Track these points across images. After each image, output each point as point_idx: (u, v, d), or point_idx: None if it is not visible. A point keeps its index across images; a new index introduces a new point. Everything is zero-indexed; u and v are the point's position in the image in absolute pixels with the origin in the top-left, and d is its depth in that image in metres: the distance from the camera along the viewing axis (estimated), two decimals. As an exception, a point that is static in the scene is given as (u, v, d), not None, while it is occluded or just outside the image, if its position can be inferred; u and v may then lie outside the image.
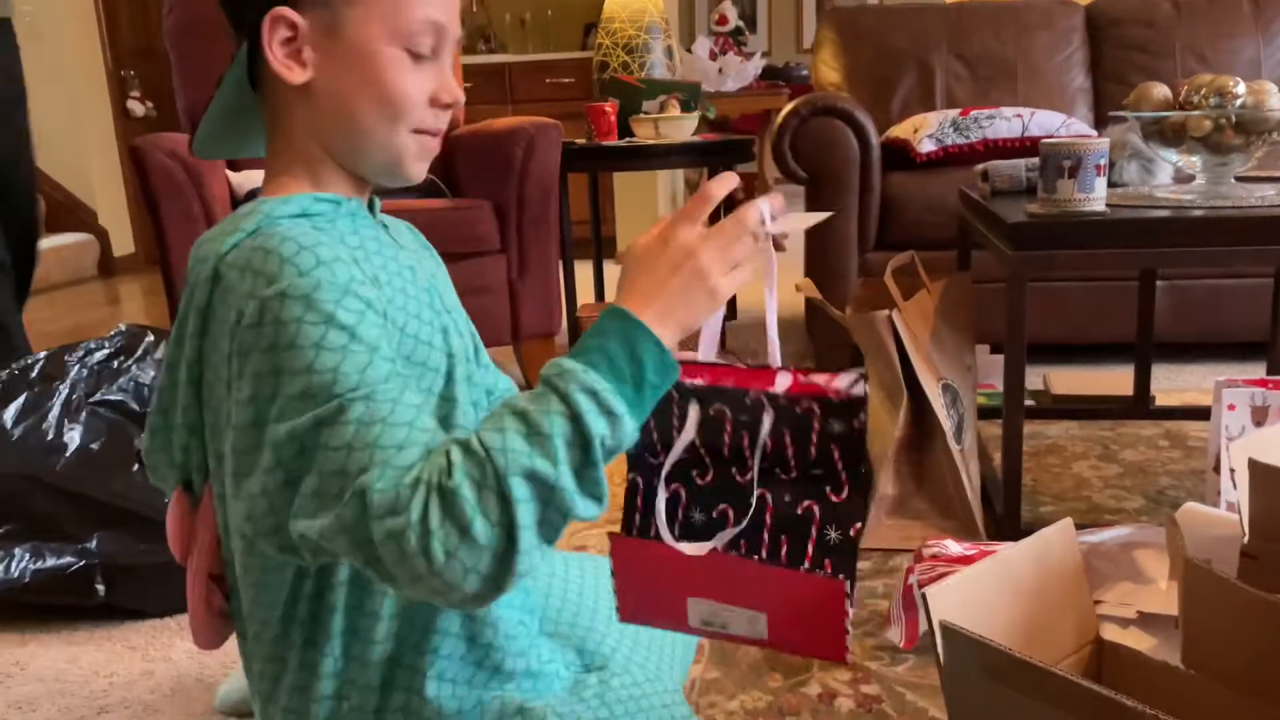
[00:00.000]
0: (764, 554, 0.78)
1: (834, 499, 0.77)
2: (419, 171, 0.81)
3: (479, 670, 0.83)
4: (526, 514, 0.64)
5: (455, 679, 0.82)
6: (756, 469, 0.78)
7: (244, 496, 0.71)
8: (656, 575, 0.81)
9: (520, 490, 0.64)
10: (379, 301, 0.73)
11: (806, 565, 0.77)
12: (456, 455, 0.66)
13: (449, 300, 0.88)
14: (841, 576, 0.75)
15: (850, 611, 0.75)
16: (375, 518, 0.64)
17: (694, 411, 0.79)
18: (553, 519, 0.66)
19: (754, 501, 0.78)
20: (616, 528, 0.83)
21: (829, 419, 0.75)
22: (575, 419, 0.66)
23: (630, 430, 0.68)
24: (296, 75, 0.75)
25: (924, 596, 0.81)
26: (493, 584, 0.65)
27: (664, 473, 0.79)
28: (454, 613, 0.81)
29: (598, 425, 0.66)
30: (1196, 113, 1.53)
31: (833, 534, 0.77)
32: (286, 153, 0.80)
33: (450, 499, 0.64)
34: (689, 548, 0.77)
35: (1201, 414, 2.07)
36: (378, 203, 0.87)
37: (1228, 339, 2.50)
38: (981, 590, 0.87)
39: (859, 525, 0.77)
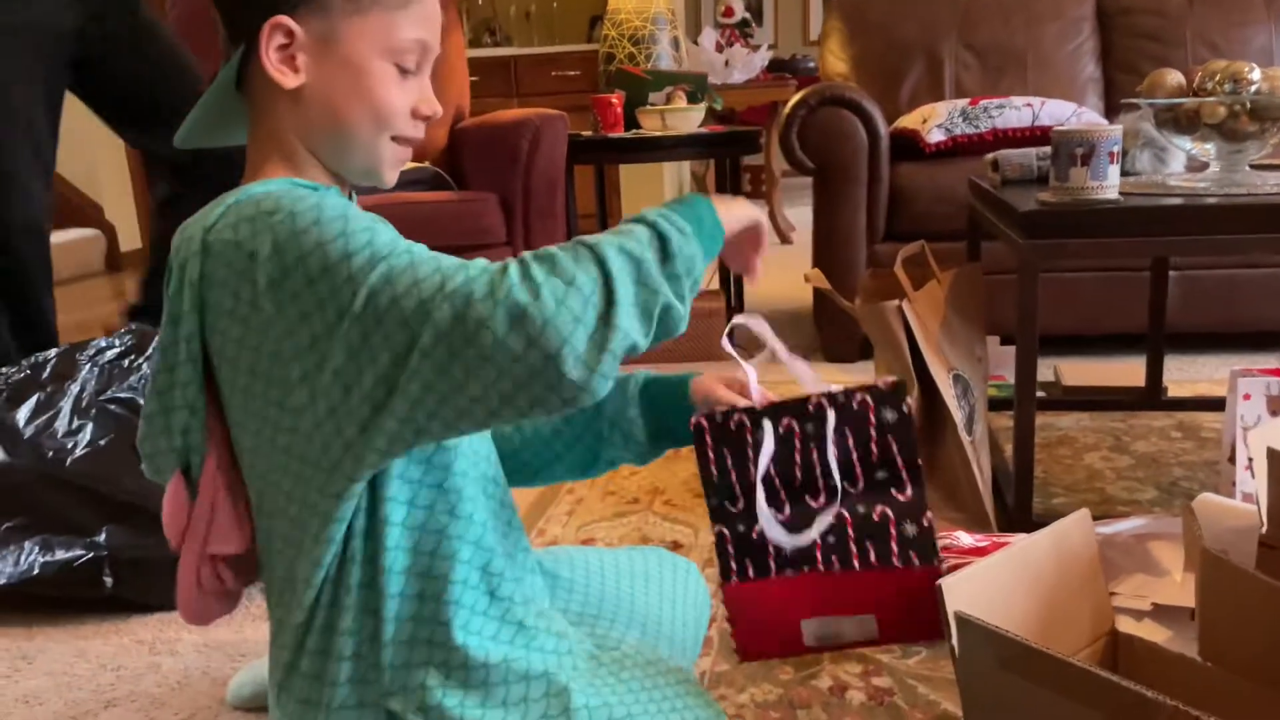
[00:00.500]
0: (855, 564, 0.88)
1: (900, 498, 0.87)
2: (393, 177, 0.85)
3: (503, 625, 0.84)
4: (623, 280, 0.70)
5: (481, 632, 0.83)
6: (825, 489, 0.88)
7: (301, 434, 0.74)
8: (767, 609, 0.91)
9: (614, 259, 0.70)
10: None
11: (895, 563, 0.87)
12: (546, 247, 0.72)
13: None
14: (936, 562, 0.86)
15: None
16: (478, 297, 0.67)
17: (768, 432, 0.89)
18: (646, 301, 0.71)
19: (833, 520, 0.88)
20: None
21: (881, 408, 0.85)
22: (652, 225, 0.74)
23: (696, 250, 0.75)
24: (289, 80, 0.79)
25: (940, 588, 0.80)
26: (596, 349, 0.68)
27: (758, 498, 0.89)
28: (471, 567, 0.83)
29: (671, 231, 0.74)
30: (1211, 99, 1.51)
31: (909, 528, 0.87)
32: (269, 146, 0.82)
33: (549, 259, 0.70)
34: (792, 539, 0.86)
35: (1215, 405, 2.06)
36: (354, 198, 0.89)
37: (1240, 329, 2.49)
38: (998, 581, 0.86)
39: (928, 514, 0.87)
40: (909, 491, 0.87)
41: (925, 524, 0.87)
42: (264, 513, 0.83)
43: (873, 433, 0.87)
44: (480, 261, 0.72)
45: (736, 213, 0.85)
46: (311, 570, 0.81)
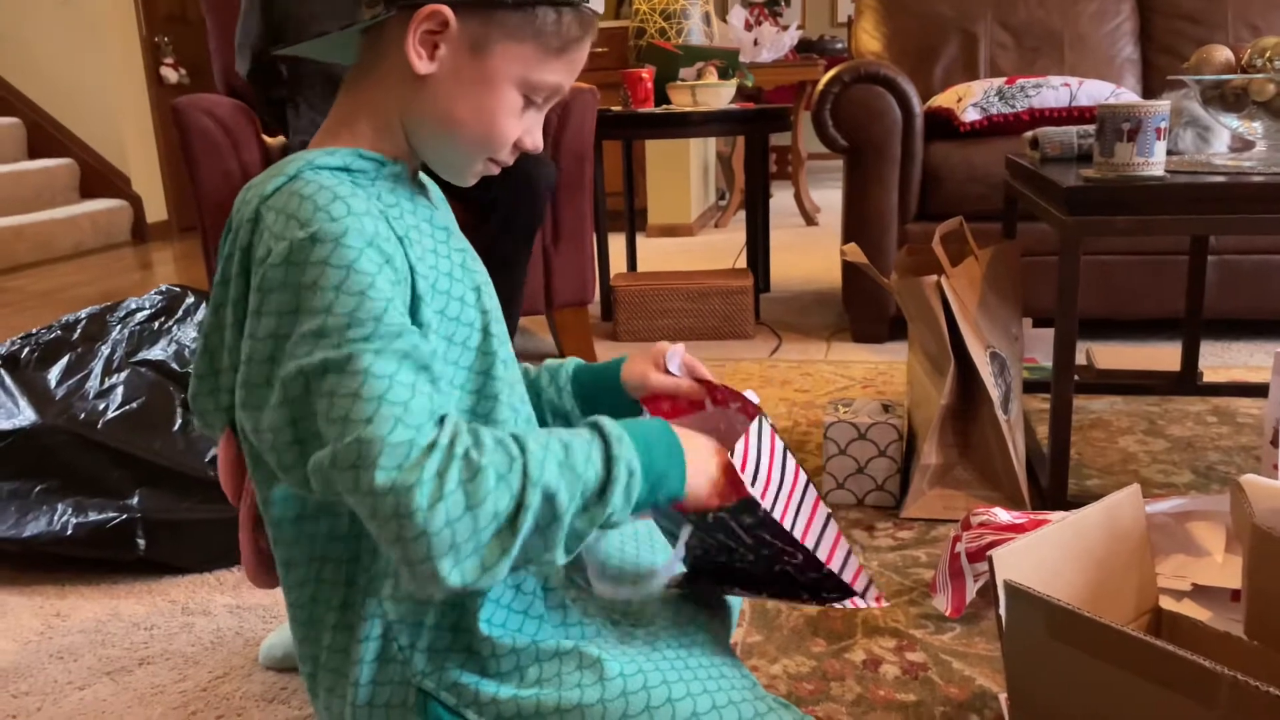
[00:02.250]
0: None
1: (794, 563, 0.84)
2: (470, 183, 0.85)
3: (527, 617, 0.84)
4: (528, 524, 0.68)
5: (505, 624, 0.83)
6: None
7: (263, 429, 0.73)
8: None
9: (534, 501, 0.68)
10: (399, 260, 0.75)
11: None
12: (489, 440, 0.69)
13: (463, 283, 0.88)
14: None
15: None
16: (382, 467, 0.66)
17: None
18: (532, 547, 0.70)
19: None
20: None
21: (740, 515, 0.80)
22: (607, 483, 0.72)
23: (618, 519, 0.74)
24: (422, 66, 0.77)
25: (991, 558, 0.79)
26: (468, 575, 0.68)
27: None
28: None
29: (617, 500, 0.73)
30: (1260, 76, 1.48)
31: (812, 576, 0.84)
32: (365, 108, 0.81)
33: (475, 472, 0.67)
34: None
35: (1251, 391, 2.03)
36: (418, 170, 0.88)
37: (1277, 316, 2.45)
38: (1048, 554, 0.85)
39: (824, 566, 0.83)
40: (799, 558, 0.83)
41: (825, 572, 0.83)
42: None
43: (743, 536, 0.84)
44: (418, 415, 0.68)
45: (702, 472, 0.80)
46: (305, 550, 0.82)
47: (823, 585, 0.84)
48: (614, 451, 0.73)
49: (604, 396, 0.98)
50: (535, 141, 0.83)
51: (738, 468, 0.79)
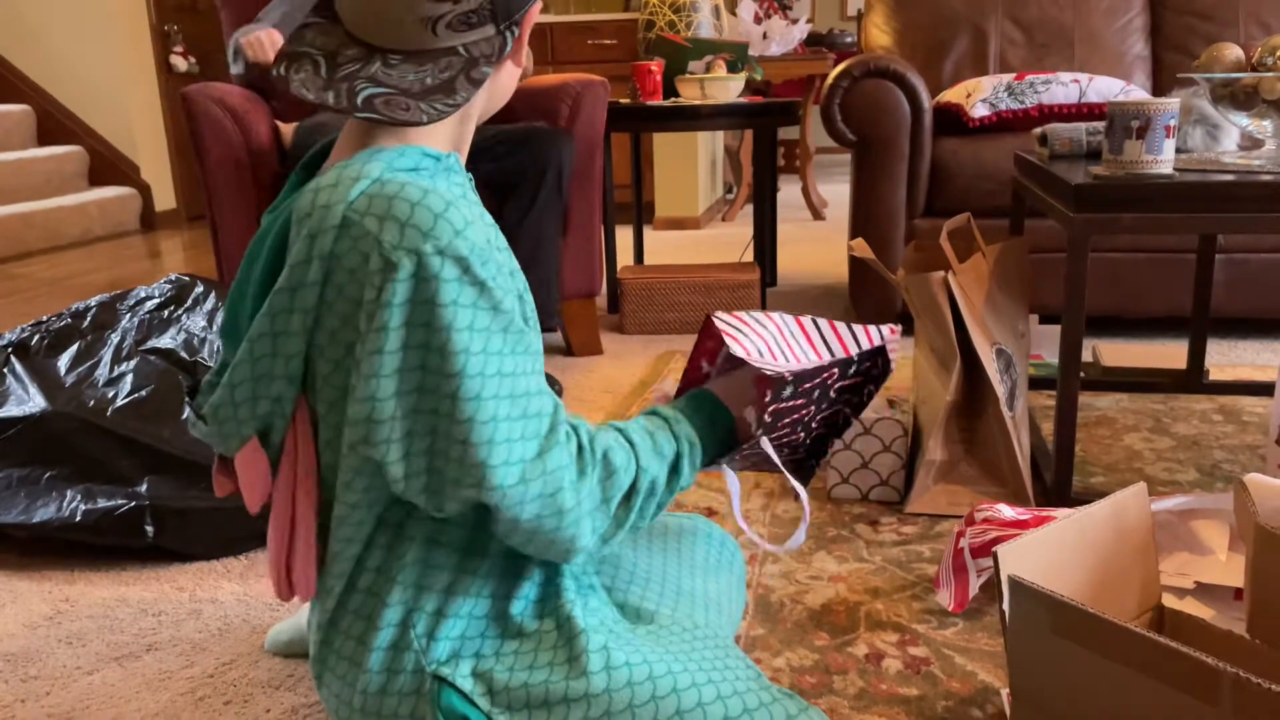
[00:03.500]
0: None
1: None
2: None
3: (545, 602, 0.88)
4: (639, 501, 0.85)
5: (524, 613, 0.86)
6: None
7: (385, 440, 0.76)
8: None
9: (644, 484, 0.85)
10: (506, 258, 0.81)
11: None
12: (613, 442, 0.84)
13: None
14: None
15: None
16: (565, 488, 0.78)
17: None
18: (640, 512, 0.86)
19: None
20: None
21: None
22: (678, 458, 0.89)
23: (688, 481, 0.92)
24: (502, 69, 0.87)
25: (996, 554, 0.79)
26: (600, 538, 0.83)
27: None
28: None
29: (686, 469, 0.90)
30: (1270, 74, 1.48)
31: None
32: None
33: (610, 478, 0.82)
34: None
35: (1257, 390, 2.03)
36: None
37: (1284, 315, 2.45)
38: (1053, 550, 0.85)
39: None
40: (835, 372, 0.98)
41: (856, 357, 0.99)
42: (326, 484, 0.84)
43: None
44: (560, 426, 0.80)
45: (740, 401, 0.96)
46: (352, 537, 0.83)
47: (863, 367, 0.99)
48: (675, 430, 0.89)
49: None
50: (526, 64, 0.93)
51: (745, 357, 0.92)
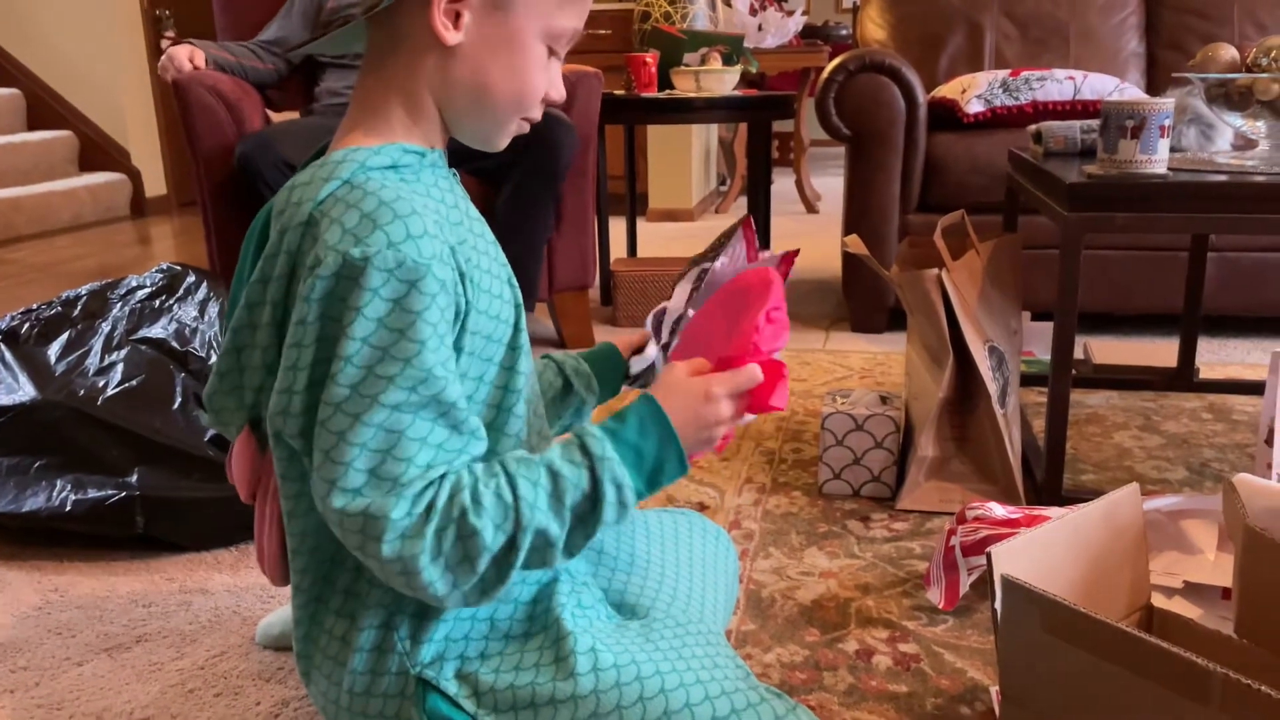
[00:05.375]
0: None
1: None
2: (503, 147, 0.85)
3: (535, 608, 0.86)
4: (520, 558, 0.75)
5: (513, 615, 0.85)
6: None
7: (296, 434, 0.75)
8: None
9: (526, 542, 0.74)
10: (451, 281, 0.75)
11: None
12: (486, 494, 0.74)
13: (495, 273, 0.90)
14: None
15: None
16: (388, 540, 0.71)
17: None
18: (533, 562, 0.76)
19: None
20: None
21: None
22: (595, 501, 0.77)
23: (615, 523, 0.79)
24: (450, 37, 0.77)
25: (990, 554, 0.79)
26: (470, 598, 0.75)
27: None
28: None
29: (609, 514, 0.77)
30: (1265, 75, 1.48)
31: None
32: (396, 91, 0.81)
33: (471, 532, 0.72)
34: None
35: (1247, 388, 2.04)
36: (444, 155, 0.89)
37: (1274, 314, 2.46)
38: (1046, 550, 0.86)
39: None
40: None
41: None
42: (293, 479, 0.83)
43: None
44: (421, 479, 0.72)
45: (695, 426, 0.83)
46: (316, 543, 0.83)
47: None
48: (598, 473, 0.77)
49: (612, 373, 1.09)
50: (560, 91, 0.84)
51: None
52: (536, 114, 0.84)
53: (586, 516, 0.77)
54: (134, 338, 1.67)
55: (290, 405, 0.74)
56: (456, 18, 0.77)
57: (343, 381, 0.71)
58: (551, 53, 0.81)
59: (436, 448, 0.73)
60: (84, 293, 1.76)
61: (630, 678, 0.82)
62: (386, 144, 0.79)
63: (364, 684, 0.83)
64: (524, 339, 0.85)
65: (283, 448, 0.80)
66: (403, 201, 0.73)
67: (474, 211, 0.85)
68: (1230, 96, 1.54)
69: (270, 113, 2.40)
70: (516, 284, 0.86)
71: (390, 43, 0.80)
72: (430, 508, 0.72)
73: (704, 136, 4.98)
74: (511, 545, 0.74)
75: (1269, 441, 1.42)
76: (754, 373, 0.83)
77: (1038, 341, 2.24)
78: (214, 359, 1.65)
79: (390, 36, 0.80)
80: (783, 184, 5.50)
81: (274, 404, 0.76)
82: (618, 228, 4.03)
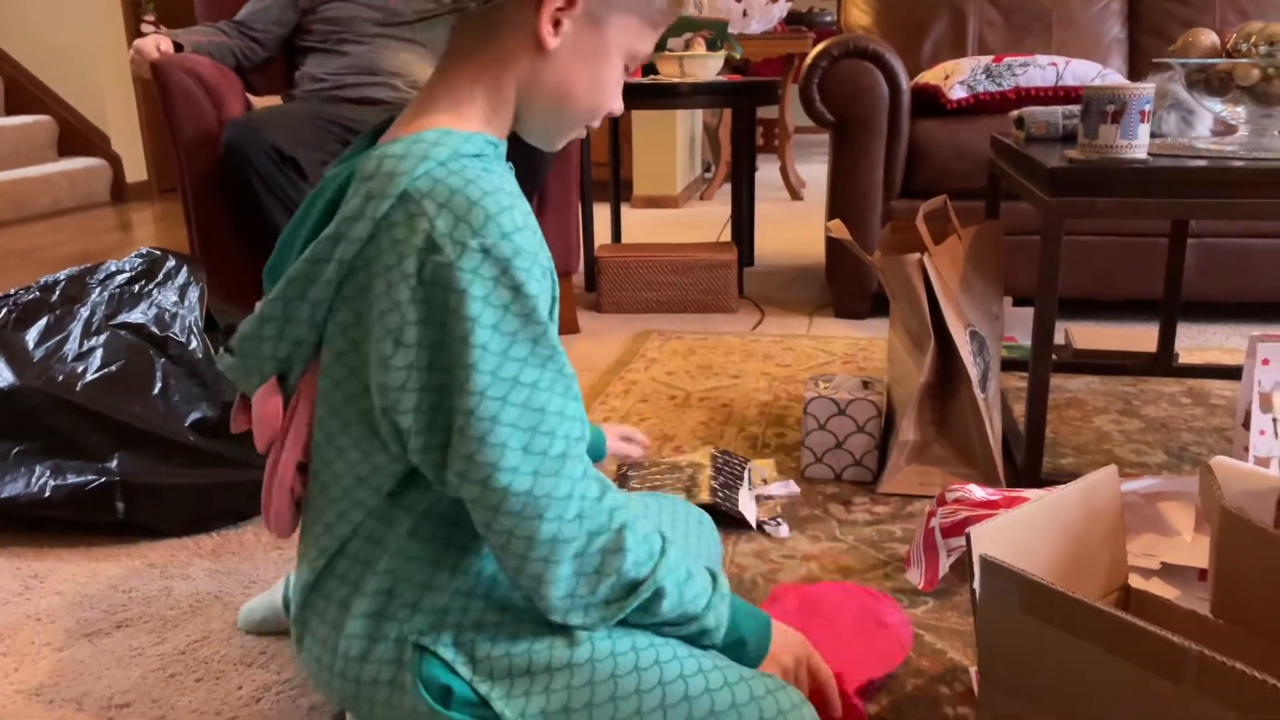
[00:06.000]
0: None
1: None
2: (559, 147, 0.90)
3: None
4: (633, 605, 0.82)
5: (512, 589, 0.87)
6: None
7: (403, 410, 0.78)
8: None
9: (647, 593, 0.81)
10: (549, 265, 0.80)
11: None
12: (640, 534, 0.81)
13: None
14: None
15: None
16: (548, 520, 0.77)
17: None
18: (631, 616, 0.83)
19: None
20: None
21: None
22: (694, 619, 0.86)
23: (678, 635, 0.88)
24: (550, 41, 0.81)
25: (969, 535, 0.80)
26: (564, 612, 0.81)
27: None
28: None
29: (691, 631, 0.87)
30: (1245, 60, 1.49)
31: None
32: (485, 82, 0.83)
33: (615, 553, 0.80)
34: None
35: (1225, 373, 2.06)
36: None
37: (1254, 299, 2.48)
38: (1025, 531, 0.86)
39: None
40: None
41: None
42: (323, 444, 0.85)
43: None
44: (581, 460, 0.79)
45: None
46: (352, 501, 0.84)
47: None
48: (711, 603, 0.87)
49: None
50: (620, 105, 0.89)
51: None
52: (597, 123, 0.89)
53: (681, 621, 0.85)
54: (113, 323, 1.66)
55: (407, 382, 0.76)
56: (557, 24, 0.81)
57: (484, 369, 0.74)
58: (625, 71, 0.87)
59: (572, 419, 0.78)
60: (62, 278, 1.75)
61: (626, 648, 0.84)
62: (475, 133, 0.81)
63: (360, 649, 0.84)
64: (554, 329, 0.86)
65: (346, 413, 0.81)
66: (504, 193, 0.77)
67: (526, 205, 0.88)
68: (1210, 82, 1.54)
69: (251, 97, 2.38)
70: (555, 276, 0.87)
71: (486, 34, 0.82)
72: (600, 498, 0.79)
73: (689, 123, 4.97)
74: (635, 587, 0.80)
75: (1246, 425, 1.44)
76: (834, 694, 0.94)
77: (1019, 327, 2.25)
78: (194, 344, 1.64)
79: (488, 28, 0.82)
80: (767, 171, 5.50)
81: (380, 379, 0.77)
82: (602, 214, 4.02)
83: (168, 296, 1.71)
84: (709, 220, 4.24)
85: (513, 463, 0.75)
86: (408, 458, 0.80)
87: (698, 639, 0.87)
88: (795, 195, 4.89)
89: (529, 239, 0.76)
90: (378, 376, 0.78)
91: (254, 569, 1.40)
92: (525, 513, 0.76)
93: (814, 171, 5.61)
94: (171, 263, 1.76)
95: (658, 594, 0.82)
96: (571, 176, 2.45)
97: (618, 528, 0.79)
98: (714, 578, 0.89)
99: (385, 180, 0.77)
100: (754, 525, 1.46)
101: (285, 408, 0.86)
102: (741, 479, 1.56)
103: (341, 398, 0.81)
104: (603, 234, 3.68)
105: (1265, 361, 1.39)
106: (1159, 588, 1.20)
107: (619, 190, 3.42)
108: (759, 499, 1.55)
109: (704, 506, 1.39)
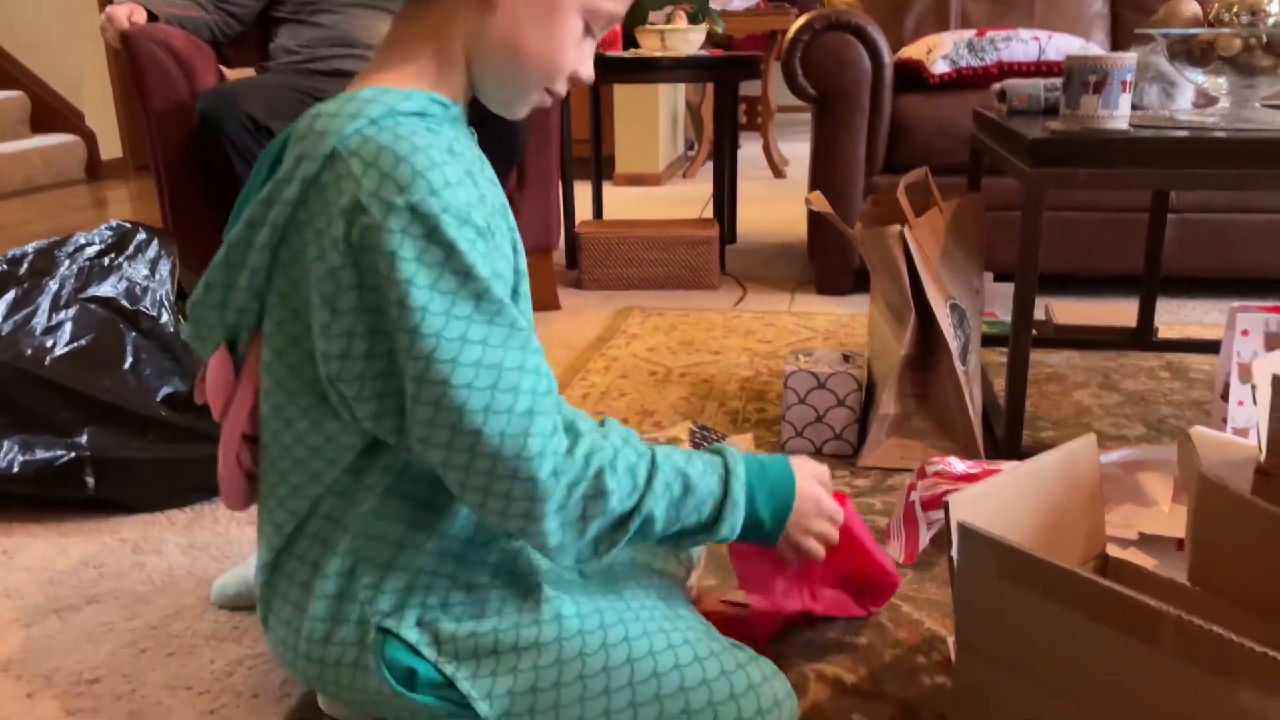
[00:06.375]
0: None
1: None
2: (523, 114, 0.86)
3: (490, 549, 0.87)
4: (626, 540, 0.80)
5: (484, 560, 0.86)
6: None
7: (347, 378, 0.76)
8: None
9: (635, 525, 0.79)
10: (486, 224, 0.76)
11: None
12: (621, 464, 0.78)
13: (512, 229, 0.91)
14: None
15: None
16: (543, 477, 0.75)
17: None
18: (630, 541, 0.81)
19: None
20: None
21: None
22: (704, 531, 0.84)
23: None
24: None
25: (947, 503, 0.79)
26: (575, 556, 0.79)
27: None
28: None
29: (703, 540, 0.86)
30: (1226, 30, 1.48)
31: None
32: (429, 39, 0.80)
33: (596, 497, 0.77)
34: None
35: (1204, 347, 2.07)
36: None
37: (1232, 275, 2.48)
38: (1003, 499, 0.86)
39: None
40: None
41: None
42: (272, 412, 0.83)
43: None
44: (551, 409, 0.76)
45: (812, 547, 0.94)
46: (310, 475, 0.82)
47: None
48: (723, 513, 0.84)
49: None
50: (589, 72, 0.84)
51: None
52: (561, 89, 0.84)
53: (684, 538, 0.84)
54: (83, 296, 1.63)
55: (349, 349, 0.74)
56: None
57: (426, 331, 0.71)
58: (588, 31, 0.82)
59: (535, 373, 0.75)
60: (30, 251, 1.71)
61: (594, 625, 0.82)
62: (416, 90, 0.78)
63: (323, 631, 0.83)
64: (525, 305, 0.84)
65: (290, 383, 0.79)
66: (436, 150, 0.74)
67: (489, 171, 0.85)
68: (1192, 53, 1.53)
69: (224, 69, 2.34)
70: (522, 249, 0.85)
71: (427, 4, 0.80)
72: (569, 451, 0.76)
73: (671, 100, 4.94)
74: (622, 522, 0.78)
75: (1224, 397, 1.44)
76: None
77: (1000, 303, 2.25)
78: (165, 318, 1.62)
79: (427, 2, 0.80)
80: (750, 149, 5.47)
81: (324, 347, 0.75)
82: (583, 191, 4.00)
83: (138, 270, 1.68)
84: (691, 198, 4.22)
85: (475, 425, 0.72)
86: (361, 425, 0.78)
87: (712, 539, 0.86)
88: (778, 173, 4.87)
89: (460, 195, 0.73)
90: (320, 345, 0.75)
91: (228, 544, 1.39)
92: (497, 472, 0.74)
93: (797, 150, 5.59)
94: (142, 235, 1.73)
95: (648, 521, 0.80)
96: (552, 153, 2.42)
97: (595, 473, 0.76)
98: (727, 475, 0.85)
99: (316, 140, 0.75)
100: None
101: (236, 377, 0.84)
102: None
103: (284, 368, 0.79)
104: (584, 211, 3.65)
105: (1244, 332, 1.38)
106: (1136, 557, 1.20)
107: (600, 167, 3.39)
108: None
109: None
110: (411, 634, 0.81)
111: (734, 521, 0.84)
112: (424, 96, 0.78)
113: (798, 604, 1.09)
